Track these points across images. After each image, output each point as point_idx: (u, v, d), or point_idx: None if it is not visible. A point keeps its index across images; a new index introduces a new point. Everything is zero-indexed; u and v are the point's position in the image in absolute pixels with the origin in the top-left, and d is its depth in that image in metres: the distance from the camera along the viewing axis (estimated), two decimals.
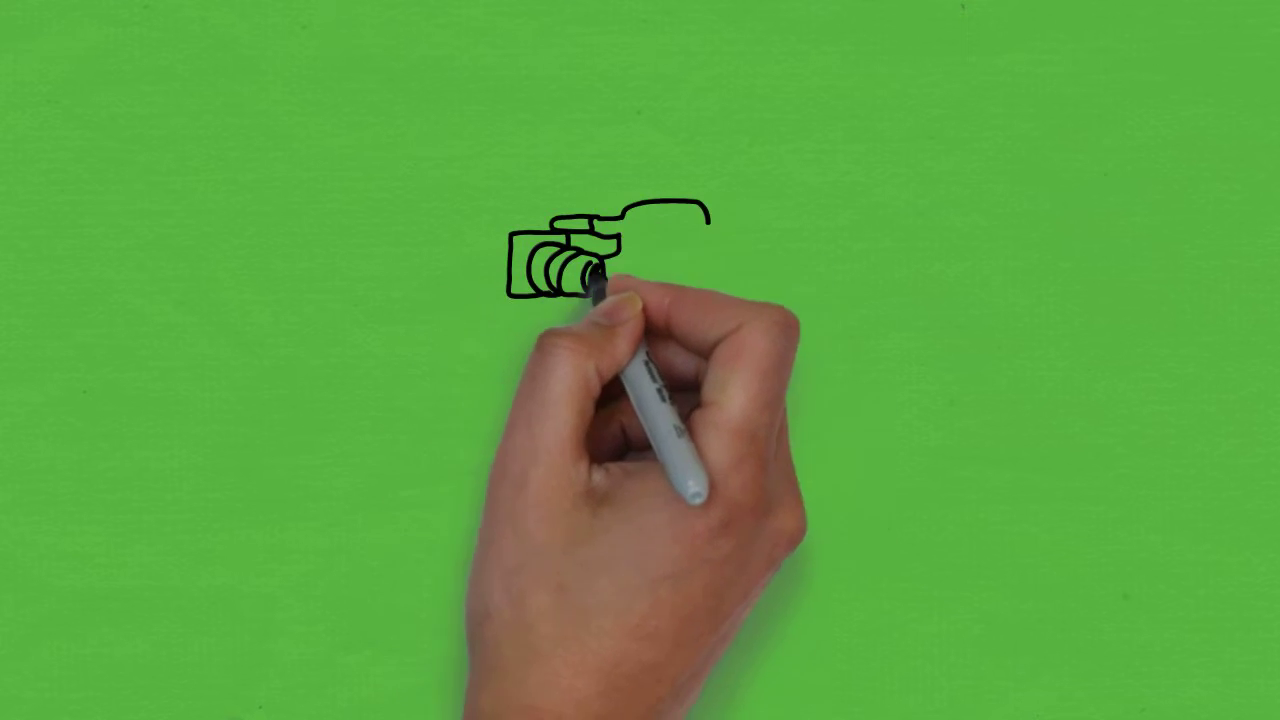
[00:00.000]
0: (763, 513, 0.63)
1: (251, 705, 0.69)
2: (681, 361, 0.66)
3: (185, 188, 0.70)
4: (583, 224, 0.70)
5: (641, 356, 0.64)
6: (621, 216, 0.70)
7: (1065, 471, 0.70)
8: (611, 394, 0.66)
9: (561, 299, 0.70)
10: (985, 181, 0.70)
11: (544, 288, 0.70)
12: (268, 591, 0.69)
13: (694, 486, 0.60)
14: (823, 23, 0.70)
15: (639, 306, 0.65)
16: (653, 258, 0.70)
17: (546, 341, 0.63)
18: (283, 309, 0.70)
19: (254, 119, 0.70)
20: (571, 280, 0.70)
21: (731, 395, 0.62)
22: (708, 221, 0.70)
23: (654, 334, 0.66)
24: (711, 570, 0.62)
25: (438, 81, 0.70)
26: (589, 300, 0.69)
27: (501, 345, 0.70)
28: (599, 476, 0.63)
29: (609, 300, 0.66)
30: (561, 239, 0.70)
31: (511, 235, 0.70)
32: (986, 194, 0.70)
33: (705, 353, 0.64)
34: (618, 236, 0.70)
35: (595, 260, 0.70)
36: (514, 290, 0.70)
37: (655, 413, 0.63)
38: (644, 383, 0.64)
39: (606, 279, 0.68)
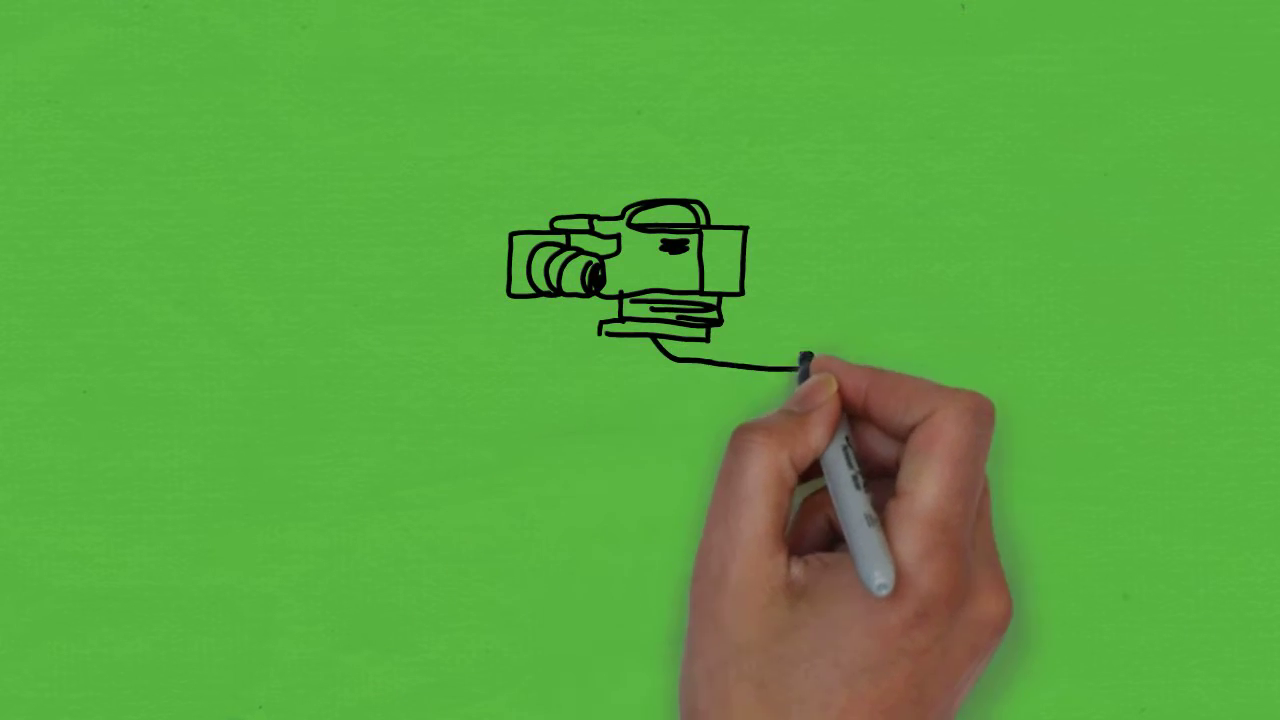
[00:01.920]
0: (959, 601, 0.62)
1: (251, 705, 0.69)
2: (883, 447, 0.66)
3: (185, 188, 0.70)
4: (583, 224, 0.70)
5: (840, 441, 0.65)
6: (621, 216, 0.70)
7: (1065, 471, 0.70)
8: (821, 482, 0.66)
9: (561, 299, 0.70)
10: (985, 181, 0.70)
11: (544, 288, 0.70)
12: (268, 591, 0.69)
13: (880, 578, 0.60)
14: (823, 23, 0.70)
15: (833, 389, 0.65)
16: (653, 259, 0.70)
17: (740, 438, 0.64)
18: (283, 309, 0.70)
19: (254, 119, 0.70)
20: (572, 280, 0.70)
21: (924, 485, 0.62)
22: (708, 221, 0.70)
23: (855, 417, 0.66)
24: (911, 661, 0.62)
25: (438, 81, 0.70)
26: (793, 376, 0.69)
27: (501, 345, 0.70)
28: (797, 569, 0.63)
29: (804, 385, 0.66)
30: (561, 239, 0.70)
31: (511, 235, 0.70)
32: (986, 194, 0.70)
33: (902, 437, 0.65)
34: (618, 236, 0.70)
35: (595, 259, 0.70)
36: (514, 290, 0.70)
37: (848, 500, 0.63)
38: (840, 469, 0.64)
39: (812, 357, 0.68)
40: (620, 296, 0.70)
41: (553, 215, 0.70)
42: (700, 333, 0.70)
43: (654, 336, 0.70)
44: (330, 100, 0.70)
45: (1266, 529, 0.70)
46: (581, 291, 0.70)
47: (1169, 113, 0.70)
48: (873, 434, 0.66)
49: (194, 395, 0.69)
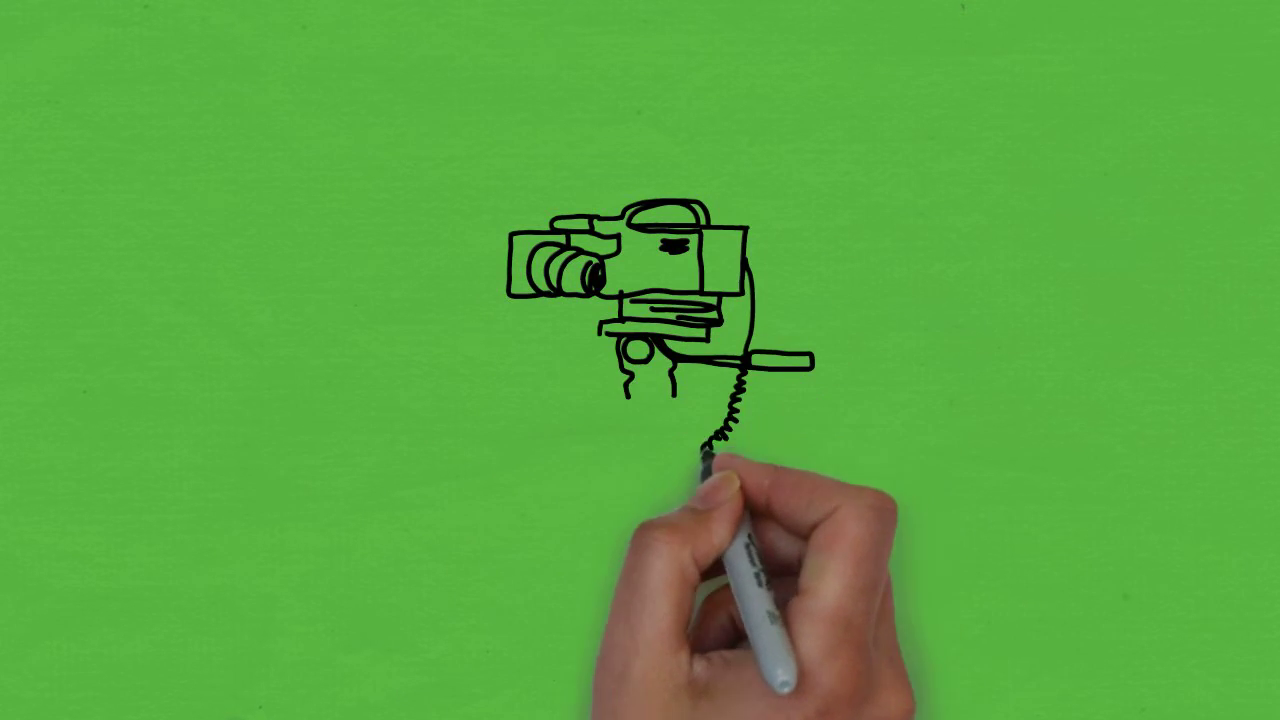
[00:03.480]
0: (861, 699, 0.62)
1: (251, 705, 0.69)
2: (785, 544, 0.67)
3: (185, 188, 0.70)
4: (583, 224, 0.70)
5: (743, 539, 0.65)
6: (621, 216, 0.70)
7: (1065, 471, 0.70)
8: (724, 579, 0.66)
9: (561, 299, 0.70)
10: (985, 181, 0.70)
11: (544, 288, 0.70)
12: (268, 591, 0.69)
13: (782, 675, 0.60)
14: (823, 23, 0.70)
15: (736, 487, 0.66)
16: (653, 259, 0.70)
17: (642, 535, 0.64)
18: (283, 309, 0.70)
19: (254, 119, 0.70)
20: (572, 280, 0.70)
21: (827, 583, 0.63)
22: (708, 221, 0.70)
23: (757, 514, 0.66)
24: None
25: (438, 81, 0.70)
26: (697, 471, 0.69)
27: (501, 345, 0.70)
28: (700, 667, 0.63)
29: (707, 482, 0.66)
30: (561, 239, 0.70)
31: (511, 235, 0.70)
32: (986, 194, 0.70)
33: (804, 534, 0.65)
34: (618, 236, 0.70)
35: (595, 259, 0.70)
36: (514, 290, 0.70)
37: (750, 598, 0.63)
38: (742, 567, 0.64)
39: (714, 455, 0.68)
40: (620, 296, 0.70)
41: (553, 215, 0.70)
42: (700, 333, 0.70)
43: (654, 337, 0.70)
44: (330, 100, 0.70)
45: (1266, 529, 0.70)
46: (581, 291, 0.70)
47: (1169, 113, 0.70)
48: (775, 532, 0.67)
49: (194, 395, 0.69)
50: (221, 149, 0.70)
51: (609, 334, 0.70)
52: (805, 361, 0.70)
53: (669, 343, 0.70)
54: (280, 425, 0.69)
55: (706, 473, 0.68)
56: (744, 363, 0.70)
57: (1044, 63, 0.70)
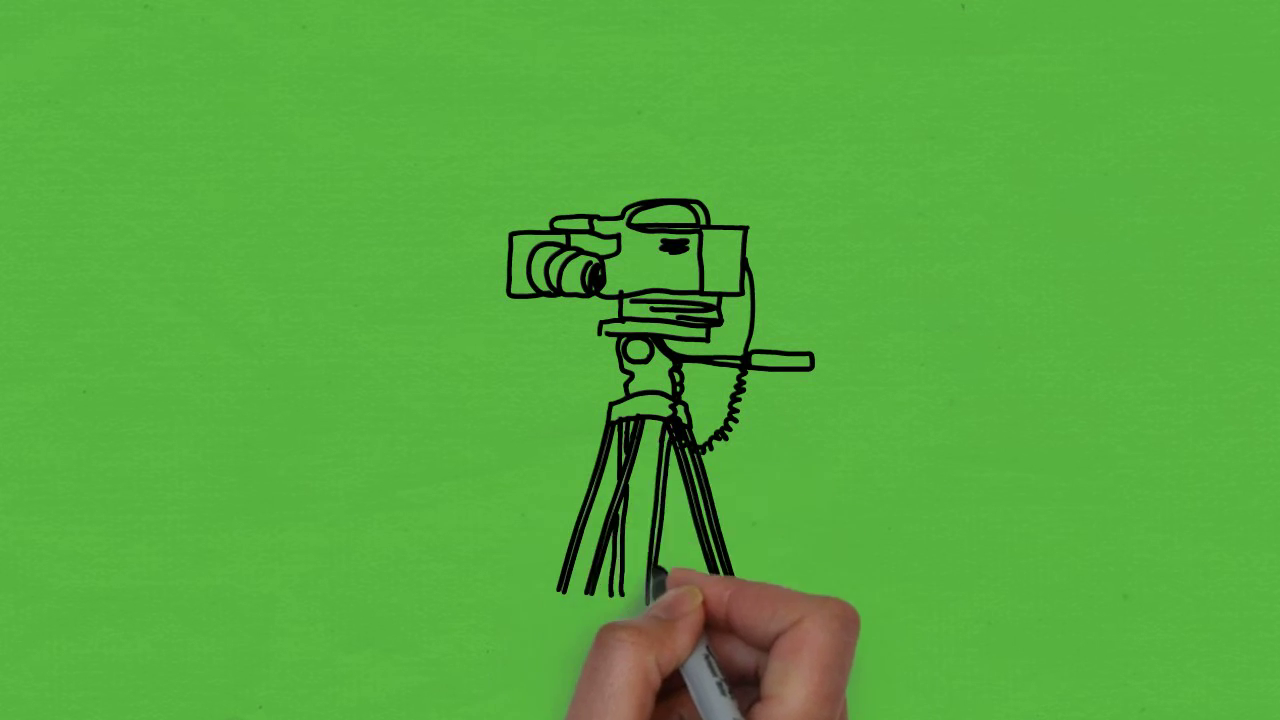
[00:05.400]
0: None
1: (251, 705, 0.69)
2: (742, 655, 0.67)
3: (185, 188, 0.70)
4: (583, 224, 0.70)
5: (702, 650, 0.65)
6: (622, 216, 0.70)
7: (1065, 471, 0.70)
8: (671, 687, 0.66)
9: (561, 299, 0.70)
10: (985, 181, 0.70)
11: (544, 288, 0.70)
12: (268, 591, 0.69)
13: None
14: (823, 23, 0.70)
15: (699, 600, 0.65)
16: (653, 259, 0.70)
17: (607, 635, 0.64)
18: (283, 309, 0.70)
19: (254, 119, 0.70)
20: (571, 280, 0.70)
21: (792, 689, 0.63)
22: (708, 221, 0.70)
23: (714, 628, 0.66)
24: None
25: (438, 81, 0.70)
26: (646, 595, 0.69)
27: (501, 345, 0.70)
28: None
29: (669, 594, 0.66)
30: (561, 239, 0.70)
31: (511, 235, 0.70)
32: (986, 194, 0.70)
33: (765, 646, 0.65)
34: (618, 236, 0.70)
35: (595, 259, 0.70)
36: (514, 290, 0.70)
37: (715, 707, 0.63)
38: (704, 676, 0.64)
39: (666, 572, 0.68)
40: (620, 296, 0.70)
41: (553, 215, 0.70)
42: (700, 333, 0.70)
43: (654, 337, 0.70)
44: (330, 100, 0.70)
45: (1266, 529, 0.70)
46: (581, 291, 0.70)
47: (1169, 113, 0.70)
48: (732, 644, 0.67)
49: (194, 395, 0.69)
50: (221, 149, 0.70)
51: (609, 334, 0.70)
52: (805, 361, 0.70)
53: (669, 343, 0.70)
54: (280, 425, 0.69)
55: (659, 588, 0.68)
56: (744, 363, 0.70)
57: (1044, 63, 0.70)
